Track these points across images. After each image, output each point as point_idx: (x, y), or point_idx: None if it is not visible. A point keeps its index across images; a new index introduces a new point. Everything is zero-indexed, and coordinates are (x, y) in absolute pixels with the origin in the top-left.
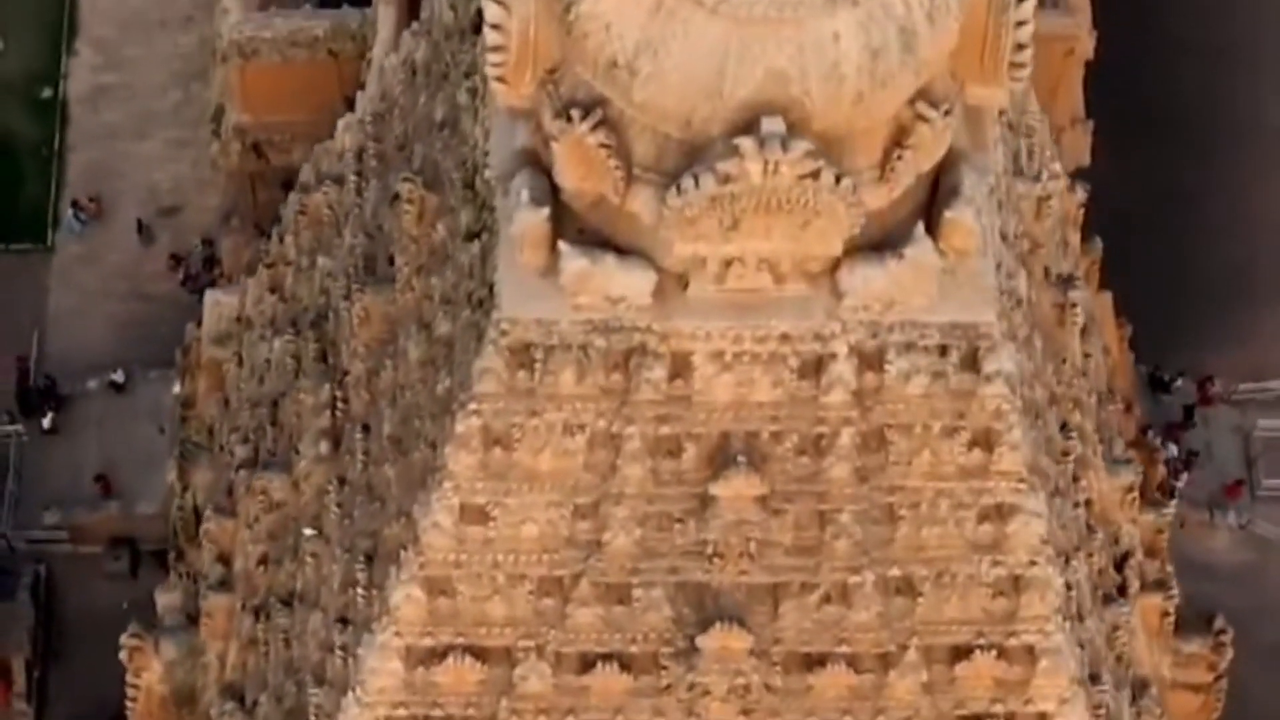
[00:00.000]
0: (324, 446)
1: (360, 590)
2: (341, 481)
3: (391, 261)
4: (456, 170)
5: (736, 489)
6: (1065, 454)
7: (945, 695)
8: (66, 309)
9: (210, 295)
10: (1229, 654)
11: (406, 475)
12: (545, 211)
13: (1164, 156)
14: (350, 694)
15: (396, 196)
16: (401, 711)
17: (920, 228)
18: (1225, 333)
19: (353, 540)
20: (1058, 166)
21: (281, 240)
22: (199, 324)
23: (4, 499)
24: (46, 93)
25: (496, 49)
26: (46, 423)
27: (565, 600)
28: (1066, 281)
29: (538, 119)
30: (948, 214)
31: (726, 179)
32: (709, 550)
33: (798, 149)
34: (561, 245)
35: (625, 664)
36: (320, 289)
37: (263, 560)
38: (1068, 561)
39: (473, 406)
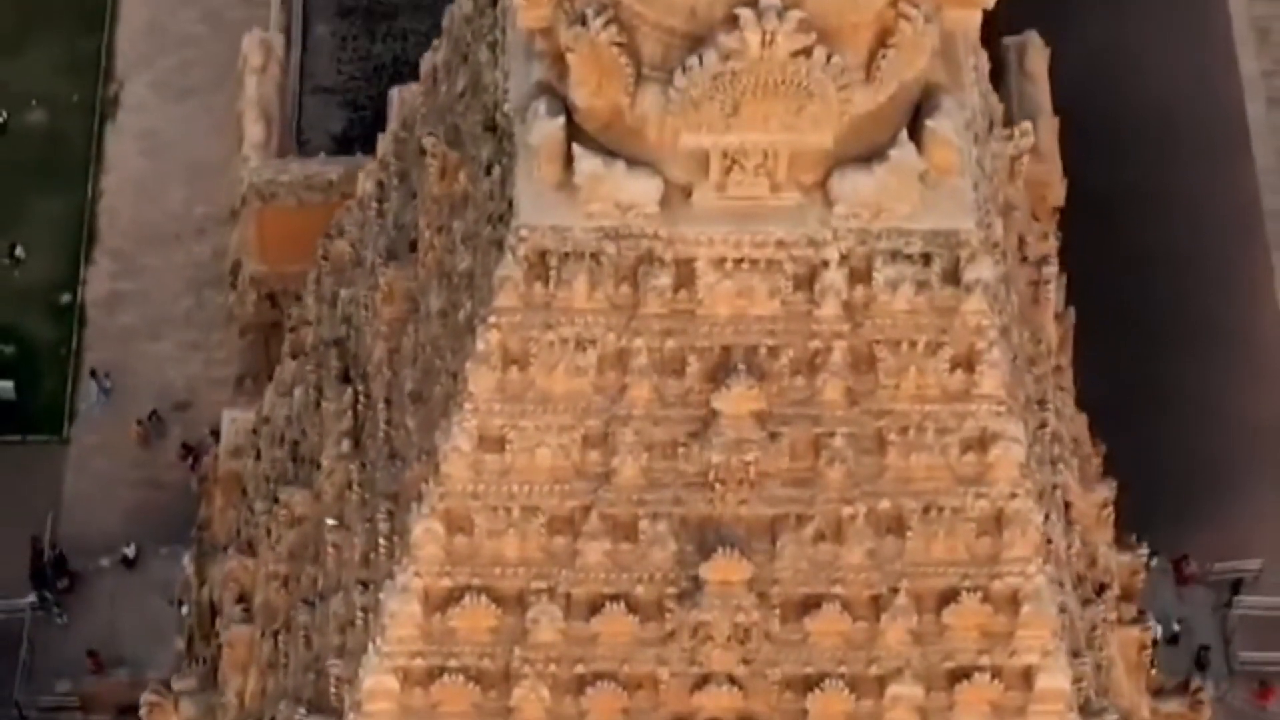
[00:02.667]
0: (345, 445)
1: (382, 540)
2: (363, 465)
3: (413, 248)
4: (478, 114)
5: (737, 400)
6: (1042, 425)
7: (934, 647)
8: (81, 495)
9: (228, 413)
10: (1207, 713)
11: (427, 419)
12: (561, 120)
13: (1139, 354)
14: (370, 647)
15: (422, 153)
16: (419, 662)
17: (904, 134)
18: (1197, 516)
19: (373, 508)
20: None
21: (299, 299)
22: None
23: (18, 668)
24: (65, 298)
25: None
26: (58, 596)
27: (575, 536)
28: (1041, 260)
29: (554, 43)
30: (929, 124)
31: (728, 55)
32: (711, 477)
33: (792, 19)
34: (576, 149)
35: (632, 606)
36: (342, 317)
37: (284, 581)
38: (1047, 517)
39: (492, 320)
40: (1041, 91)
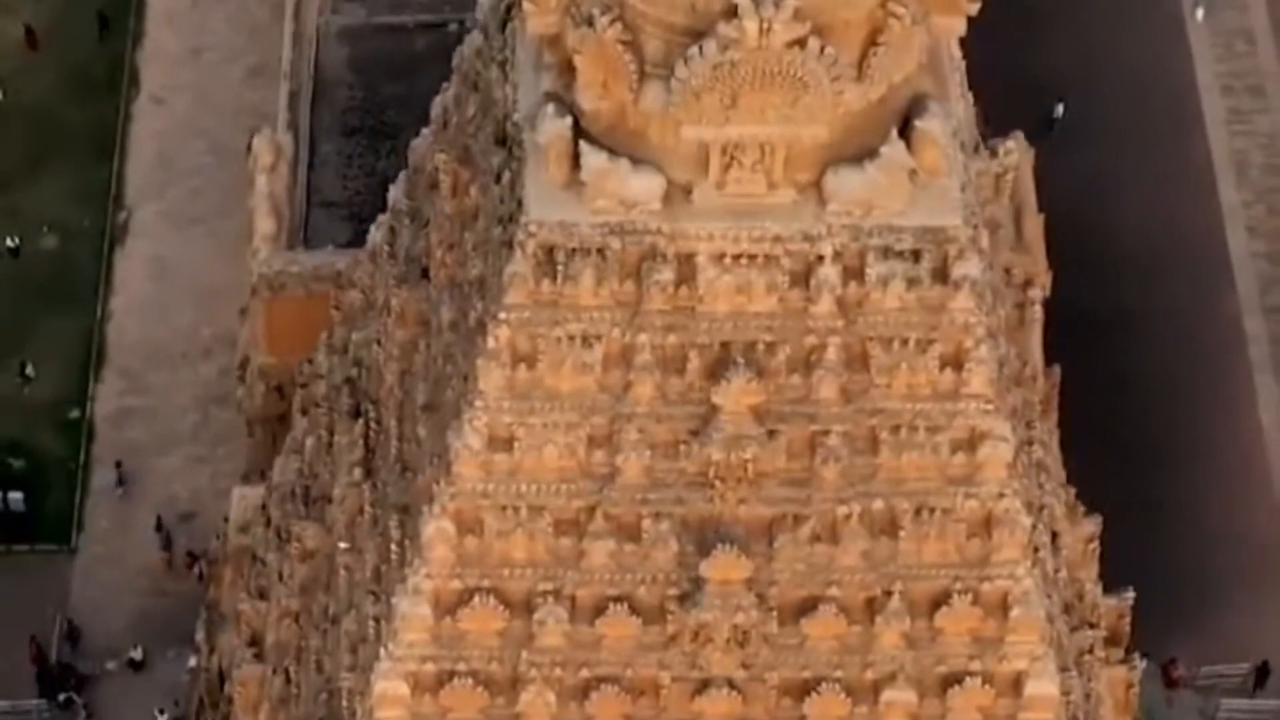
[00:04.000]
0: (357, 473)
1: (394, 547)
2: (374, 486)
3: (425, 275)
4: (489, 129)
5: (736, 394)
6: (1029, 443)
7: (927, 652)
8: (88, 601)
9: (237, 490)
10: None
11: (439, 426)
12: (568, 120)
13: (1128, 468)
14: (381, 652)
15: (433, 187)
16: (429, 667)
17: (894, 133)
18: (1185, 623)
19: (385, 522)
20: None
21: (312, 362)
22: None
23: None
24: (74, 413)
25: None
26: (64, 699)
27: (580, 537)
28: (1026, 282)
29: (561, 53)
30: (918, 124)
31: (727, 45)
32: (711, 474)
33: (788, 7)
34: (583, 145)
35: (635, 607)
36: (353, 360)
37: (295, 617)
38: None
39: (502, 316)
40: (1027, 189)
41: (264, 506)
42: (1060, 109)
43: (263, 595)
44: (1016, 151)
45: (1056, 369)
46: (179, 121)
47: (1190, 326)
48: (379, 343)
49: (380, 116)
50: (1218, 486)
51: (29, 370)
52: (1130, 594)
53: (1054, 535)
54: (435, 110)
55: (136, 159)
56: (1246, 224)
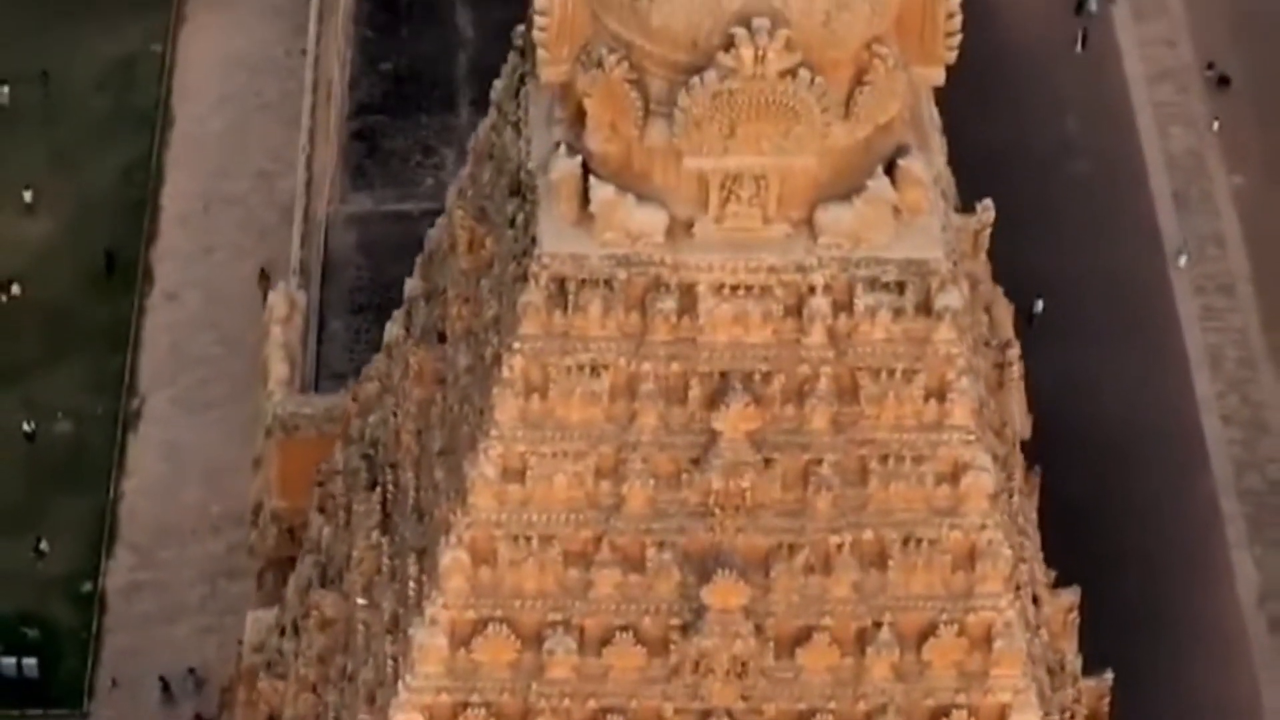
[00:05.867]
0: (375, 535)
1: (411, 584)
2: (392, 540)
3: (441, 338)
4: (504, 183)
5: (734, 419)
6: (1009, 494)
7: (916, 685)
8: None
9: (252, 613)
10: None
11: (455, 465)
12: (579, 160)
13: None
14: (399, 685)
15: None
16: (444, 698)
17: (880, 170)
18: None
19: (403, 568)
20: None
21: (329, 461)
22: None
23: None
24: (87, 587)
25: (543, 13)
26: None
27: (588, 566)
28: (1005, 344)
29: (570, 105)
30: (901, 163)
31: (726, 74)
32: (711, 502)
33: (780, 36)
34: (592, 180)
35: (640, 637)
36: (370, 440)
37: (312, 688)
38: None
39: (516, 346)
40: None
41: (280, 629)
42: (1040, 305)
43: (281, 676)
44: (992, 210)
45: (1038, 470)
46: (190, 315)
47: (1169, 508)
48: (395, 413)
49: (386, 295)
50: (1198, 658)
51: (43, 545)
52: (1109, 675)
53: (1035, 599)
54: (449, 199)
55: (149, 350)
56: (1220, 413)
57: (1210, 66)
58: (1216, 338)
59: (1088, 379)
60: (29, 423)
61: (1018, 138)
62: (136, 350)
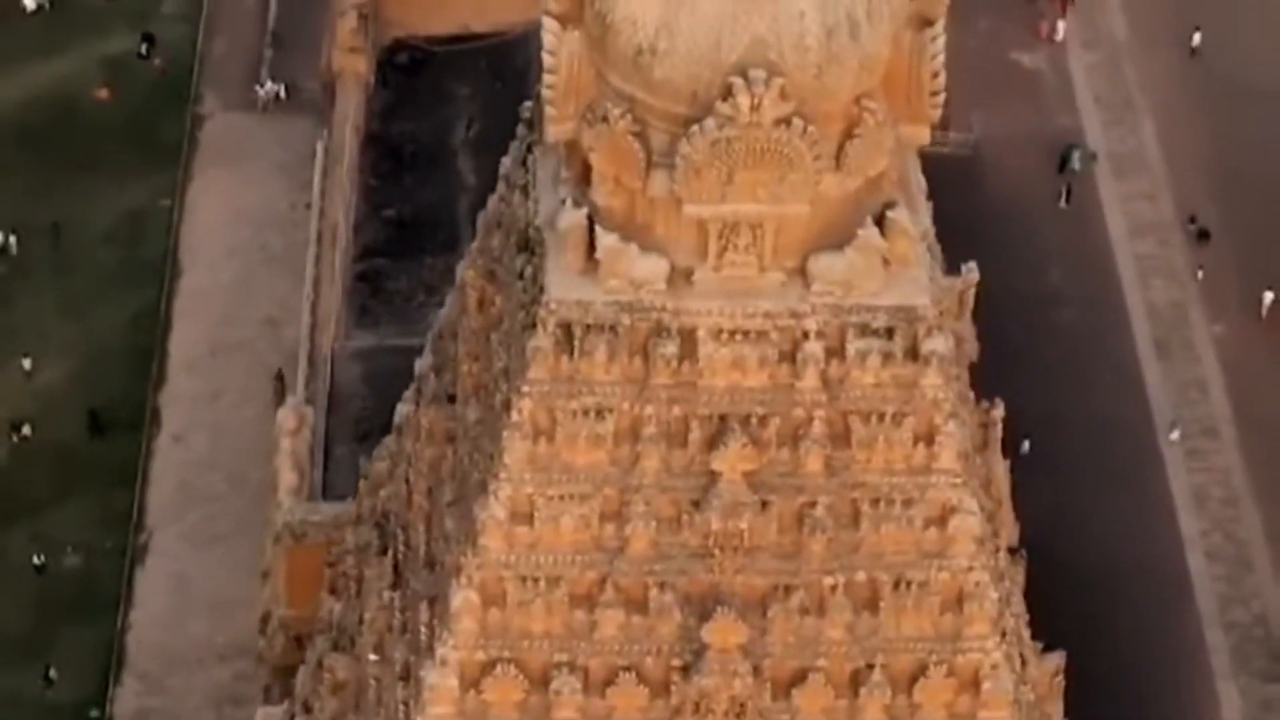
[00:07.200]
0: (386, 595)
1: (423, 628)
2: (404, 594)
3: (451, 400)
4: (512, 240)
5: (733, 459)
6: (995, 550)
7: None
8: None
9: (261, 710)
10: None
11: (465, 512)
12: (585, 211)
13: None
14: None
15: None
16: None
17: (870, 220)
18: None
19: (414, 620)
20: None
21: (338, 546)
22: None
23: None
24: (95, 713)
25: (550, 72)
26: None
27: (593, 608)
28: (990, 405)
29: (576, 163)
30: (889, 214)
31: (724, 123)
32: (711, 543)
33: (776, 85)
34: (598, 229)
35: (642, 678)
36: (381, 513)
37: None
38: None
39: (525, 390)
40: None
41: (289, 710)
42: (1026, 445)
43: None
44: (976, 272)
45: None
46: (198, 455)
47: (1154, 640)
48: (407, 480)
49: (390, 423)
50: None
51: (52, 673)
52: None
53: (1023, 660)
54: (459, 278)
55: (157, 487)
56: (1205, 550)
57: (1193, 220)
58: (1201, 478)
59: (1074, 516)
60: (39, 556)
61: (1006, 287)
62: (145, 488)
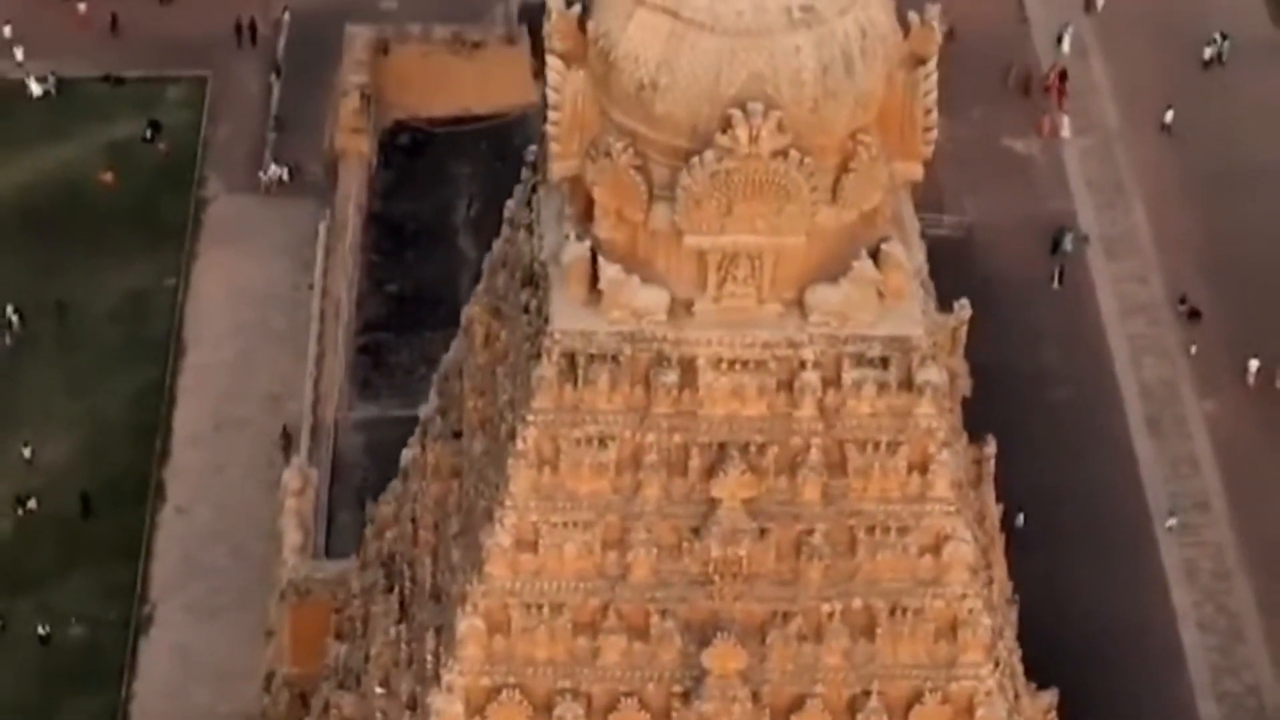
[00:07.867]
0: (393, 631)
1: (429, 656)
2: (409, 627)
3: (456, 436)
4: (517, 275)
5: (732, 486)
6: (988, 582)
7: None
8: None
9: None
10: None
11: (472, 543)
12: (588, 244)
13: None
14: None
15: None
16: None
17: (864, 252)
18: None
19: (420, 652)
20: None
21: (348, 583)
22: None
23: None
24: None
25: (555, 109)
26: None
27: (595, 635)
28: (983, 440)
29: (579, 200)
30: (884, 247)
31: (723, 153)
32: (710, 570)
33: (773, 118)
34: (601, 261)
35: (644, 703)
36: (387, 554)
37: None
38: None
39: (530, 418)
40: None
41: None
42: (1021, 518)
43: None
44: (969, 308)
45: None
46: (201, 528)
47: (1148, 711)
48: (413, 520)
49: None
50: None
51: None
52: None
53: (1015, 694)
54: (464, 319)
55: (161, 560)
56: (1197, 621)
57: (1183, 300)
58: (1193, 551)
59: (1067, 588)
60: (44, 627)
61: (1000, 365)
62: (149, 560)
